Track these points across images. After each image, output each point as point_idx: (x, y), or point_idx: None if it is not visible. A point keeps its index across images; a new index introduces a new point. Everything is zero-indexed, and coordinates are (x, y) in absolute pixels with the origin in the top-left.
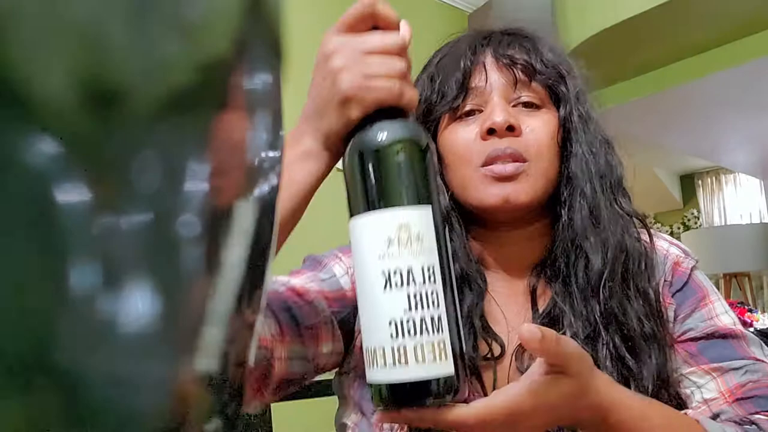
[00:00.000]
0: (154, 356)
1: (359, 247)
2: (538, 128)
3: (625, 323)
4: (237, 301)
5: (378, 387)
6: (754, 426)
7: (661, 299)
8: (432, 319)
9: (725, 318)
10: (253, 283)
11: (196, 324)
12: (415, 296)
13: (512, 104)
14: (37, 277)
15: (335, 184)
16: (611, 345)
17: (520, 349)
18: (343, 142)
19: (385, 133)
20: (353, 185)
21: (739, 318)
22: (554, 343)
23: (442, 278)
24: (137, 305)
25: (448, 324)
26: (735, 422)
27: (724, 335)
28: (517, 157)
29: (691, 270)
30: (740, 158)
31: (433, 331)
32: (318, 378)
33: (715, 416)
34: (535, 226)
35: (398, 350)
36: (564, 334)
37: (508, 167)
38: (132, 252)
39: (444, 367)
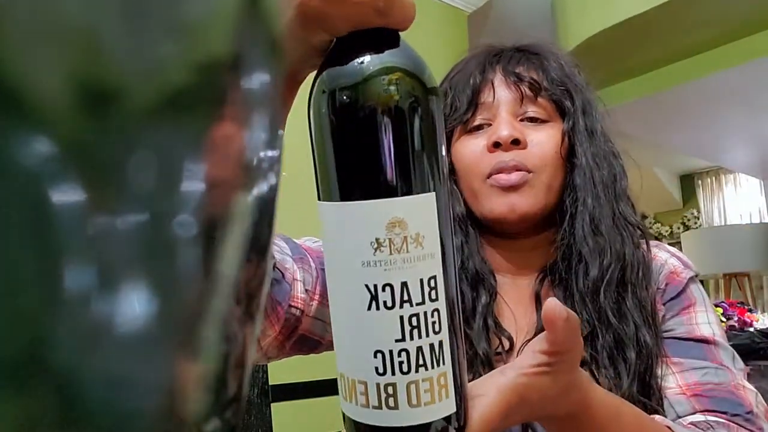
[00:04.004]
0: (151, 357)
1: (334, 245)
2: (543, 141)
3: (618, 327)
4: (236, 301)
5: (352, 423)
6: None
7: (655, 306)
8: (432, 348)
9: (705, 328)
10: (252, 283)
11: (193, 325)
12: (410, 320)
13: (519, 118)
14: (32, 278)
15: None
16: (607, 346)
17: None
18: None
19: (368, 67)
20: (320, 152)
21: (739, 318)
22: (574, 329)
23: (445, 288)
24: (133, 306)
25: (451, 348)
26: (700, 429)
27: (697, 340)
28: (521, 168)
29: (688, 281)
30: (740, 158)
31: (433, 364)
32: (317, 378)
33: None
34: (543, 234)
35: (386, 390)
36: None
37: (512, 176)
38: (128, 253)
39: (443, 407)
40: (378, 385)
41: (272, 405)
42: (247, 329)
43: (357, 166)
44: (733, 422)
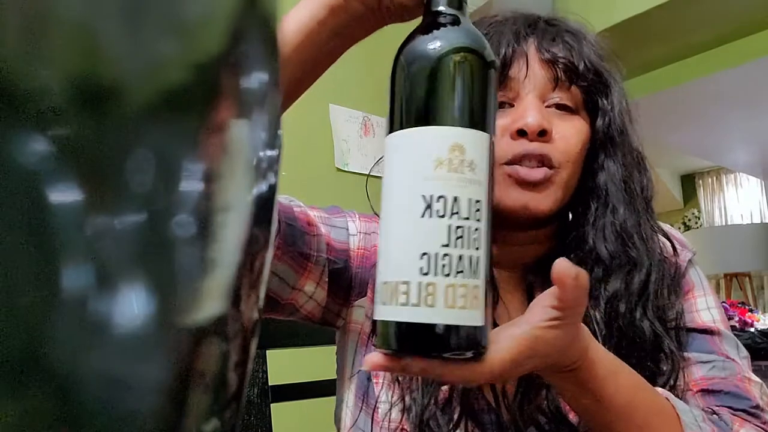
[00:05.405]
0: (149, 357)
1: (396, 164)
2: (570, 135)
3: (630, 337)
4: (234, 301)
5: (388, 325)
6: (715, 416)
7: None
8: (471, 259)
9: (705, 314)
10: (250, 283)
11: (192, 324)
12: (456, 230)
13: (546, 104)
14: (30, 278)
15: (336, 184)
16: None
17: None
18: None
19: (447, 40)
20: (399, 95)
21: (740, 318)
22: (584, 286)
23: (486, 217)
24: (131, 306)
25: (484, 271)
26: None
27: (700, 331)
28: (546, 161)
29: (687, 264)
30: (741, 158)
31: (470, 275)
32: (317, 378)
33: None
34: (543, 230)
35: (427, 287)
36: None
37: (536, 173)
38: (126, 252)
39: (473, 317)
40: (420, 284)
41: (272, 405)
42: (247, 328)
43: (431, 102)
44: (736, 416)
